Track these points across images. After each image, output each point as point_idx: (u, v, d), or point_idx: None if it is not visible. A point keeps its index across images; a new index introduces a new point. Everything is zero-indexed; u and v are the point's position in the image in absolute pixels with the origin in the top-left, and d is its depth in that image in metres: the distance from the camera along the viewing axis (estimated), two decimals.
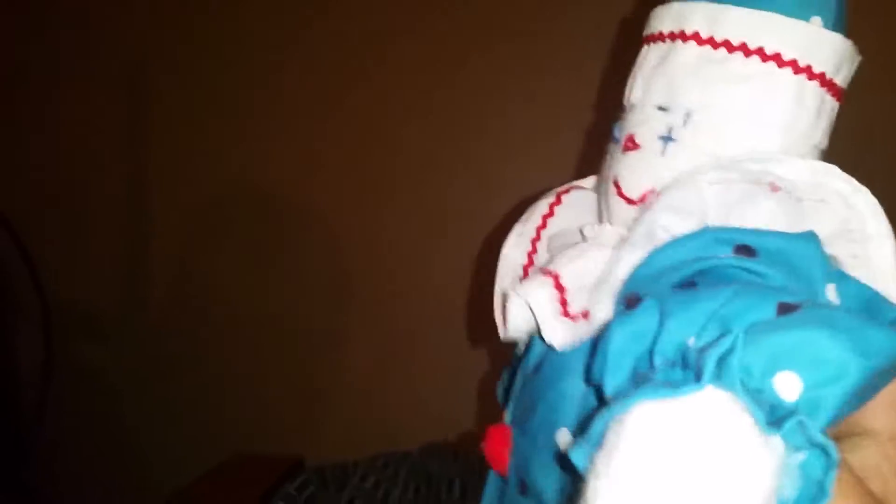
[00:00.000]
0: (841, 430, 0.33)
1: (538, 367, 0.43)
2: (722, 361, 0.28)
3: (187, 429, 1.20)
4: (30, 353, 1.19)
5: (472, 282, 1.03)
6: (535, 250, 0.50)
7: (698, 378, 0.28)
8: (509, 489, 0.45)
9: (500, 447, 0.45)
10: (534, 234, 0.51)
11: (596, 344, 0.33)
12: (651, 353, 0.30)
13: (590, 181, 0.52)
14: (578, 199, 0.52)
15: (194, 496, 0.99)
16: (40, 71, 1.17)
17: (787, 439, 0.28)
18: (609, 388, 0.31)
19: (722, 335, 0.29)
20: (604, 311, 0.38)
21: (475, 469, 0.90)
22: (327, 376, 1.16)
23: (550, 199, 0.53)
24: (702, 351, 0.28)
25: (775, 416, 0.28)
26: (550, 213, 0.52)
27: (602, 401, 0.31)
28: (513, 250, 0.51)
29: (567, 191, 0.53)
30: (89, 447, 1.23)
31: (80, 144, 1.18)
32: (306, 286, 1.15)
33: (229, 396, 1.19)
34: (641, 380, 0.29)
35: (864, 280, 0.35)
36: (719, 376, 0.28)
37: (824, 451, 0.28)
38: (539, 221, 0.52)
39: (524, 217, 0.53)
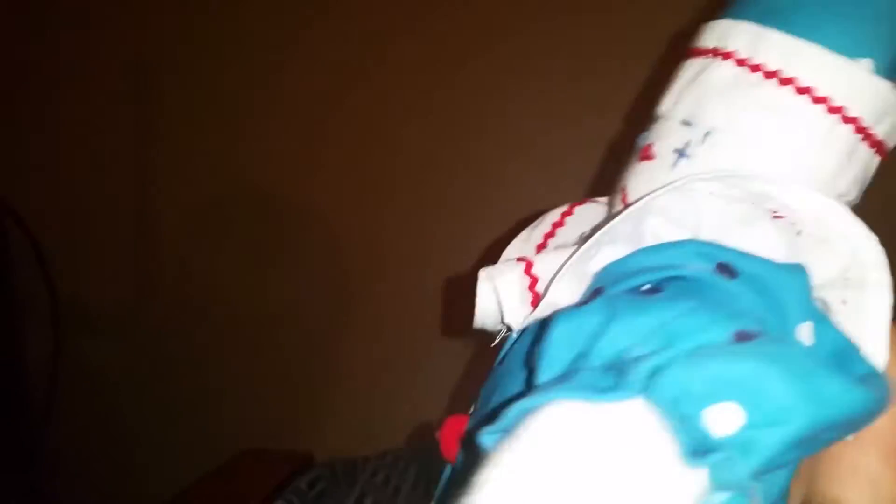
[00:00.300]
0: (808, 498, 0.30)
1: (503, 359, 0.41)
2: (654, 375, 0.25)
3: (193, 426, 1.20)
4: (37, 348, 1.20)
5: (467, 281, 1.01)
6: None
7: (623, 386, 0.25)
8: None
9: (452, 436, 0.43)
10: (540, 241, 0.49)
11: (542, 329, 0.30)
12: (586, 352, 0.28)
13: (607, 198, 0.50)
14: (590, 212, 0.50)
15: (203, 492, 0.99)
16: (46, 70, 1.18)
17: (711, 475, 0.25)
18: (540, 378, 0.29)
19: (663, 348, 0.26)
20: (558, 295, 0.36)
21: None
22: (333, 372, 1.15)
23: (563, 209, 0.51)
24: (635, 360, 0.26)
25: (701, 448, 0.25)
26: (561, 223, 0.50)
27: (529, 389, 0.29)
28: (515, 253, 0.49)
29: (583, 203, 0.51)
30: (94, 443, 1.24)
31: (85, 143, 1.19)
32: (308, 284, 1.14)
33: (234, 393, 1.18)
34: (567, 377, 0.27)
35: (847, 328, 0.32)
36: (647, 390, 0.25)
37: (749, 497, 0.25)
38: (548, 229, 0.50)
39: (535, 223, 0.51)
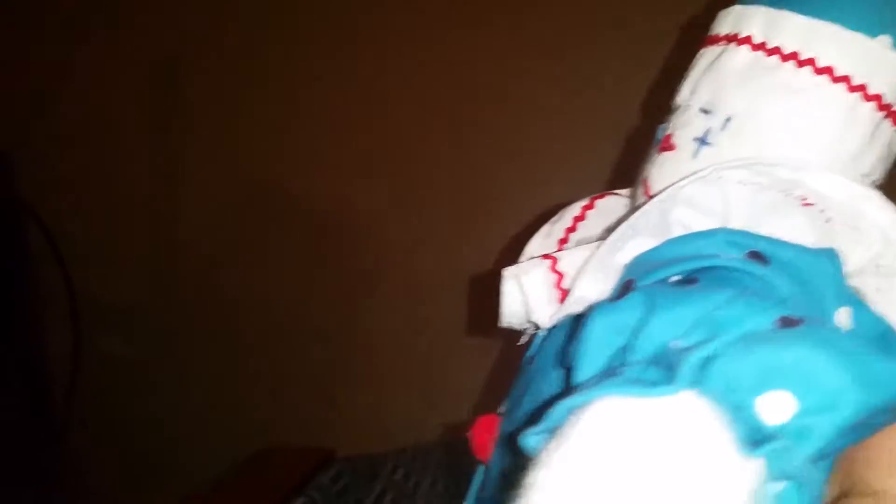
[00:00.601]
0: (848, 486, 0.29)
1: (532, 358, 0.40)
2: (704, 366, 0.24)
3: (214, 422, 1.19)
4: (58, 345, 1.19)
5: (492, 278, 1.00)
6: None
7: (674, 379, 0.24)
8: (490, 479, 0.42)
9: (484, 436, 0.42)
10: (562, 235, 0.48)
11: (576, 326, 0.29)
12: (628, 347, 0.27)
13: (628, 191, 0.48)
14: (612, 205, 0.48)
15: (225, 488, 0.98)
16: (65, 70, 1.17)
17: (768, 464, 0.24)
18: (580, 377, 0.28)
19: (709, 339, 0.25)
20: (585, 290, 0.35)
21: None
22: (354, 370, 1.14)
23: (584, 202, 0.49)
24: (683, 352, 0.25)
25: (757, 437, 0.24)
26: (582, 217, 0.49)
27: (570, 387, 0.28)
28: (537, 249, 0.48)
29: (602, 196, 0.49)
30: (115, 439, 1.23)
31: (104, 142, 1.18)
32: (329, 282, 1.13)
33: (255, 390, 1.17)
34: (612, 373, 0.26)
35: (884, 315, 0.31)
36: (699, 381, 0.24)
37: (805, 485, 0.24)
38: (569, 223, 0.48)
39: (555, 218, 0.50)
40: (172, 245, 1.18)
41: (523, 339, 0.45)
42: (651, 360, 0.26)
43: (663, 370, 0.25)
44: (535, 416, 0.32)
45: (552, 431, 0.25)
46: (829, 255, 0.32)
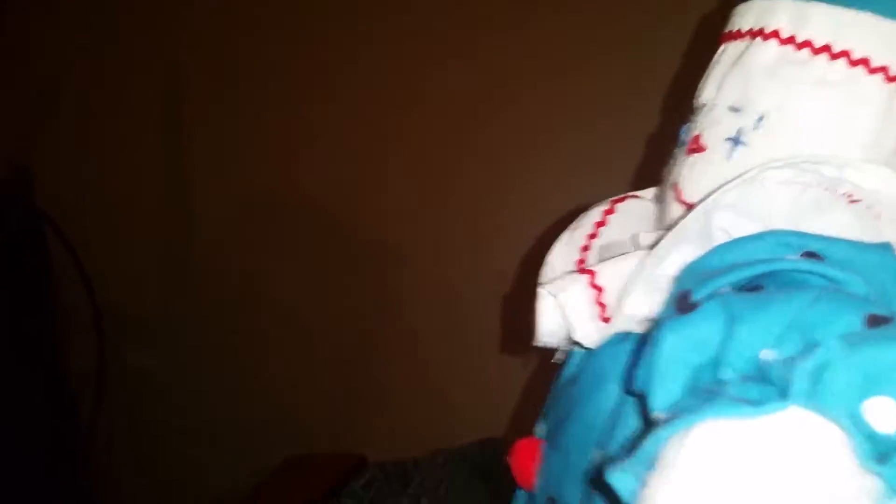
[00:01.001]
0: None
1: (575, 378, 0.38)
2: (816, 378, 0.22)
3: (242, 431, 1.15)
4: (82, 356, 1.16)
5: (516, 289, 0.98)
6: (584, 259, 0.45)
7: (784, 395, 0.22)
8: None
9: (527, 462, 0.40)
10: (583, 242, 0.46)
11: (639, 347, 0.27)
12: (716, 363, 0.24)
13: (648, 192, 0.47)
14: (633, 209, 0.46)
15: (258, 497, 0.96)
16: (81, 80, 1.14)
17: (888, 479, 0.22)
18: (658, 401, 0.25)
19: (808, 346, 0.23)
20: (635, 306, 0.33)
21: None
22: (384, 377, 1.11)
23: (603, 207, 0.47)
24: (788, 364, 0.23)
25: (877, 450, 0.22)
26: (602, 222, 0.46)
27: (645, 414, 0.25)
28: (559, 258, 0.46)
29: (622, 200, 0.47)
30: (141, 450, 1.19)
31: (120, 152, 1.15)
32: (359, 290, 1.10)
33: (284, 398, 1.14)
34: (706, 394, 0.23)
35: None
36: (812, 395, 0.22)
37: None
38: (590, 229, 0.46)
39: (573, 225, 0.47)
40: (192, 254, 1.15)
41: (558, 357, 0.43)
42: (747, 376, 0.24)
43: (766, 385, 0.23)
44: (604, 445, 0.30)
45: (648, 465, 0.22)
46: (885, 249, 0.31)
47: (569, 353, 0.41)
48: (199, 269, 1.16)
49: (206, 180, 1.13)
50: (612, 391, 0.34)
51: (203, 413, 1.16)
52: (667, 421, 0.23)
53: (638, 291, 0.34)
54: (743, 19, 0.40)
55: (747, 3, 0.40)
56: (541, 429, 0.42)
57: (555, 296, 0.37)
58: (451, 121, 1.03)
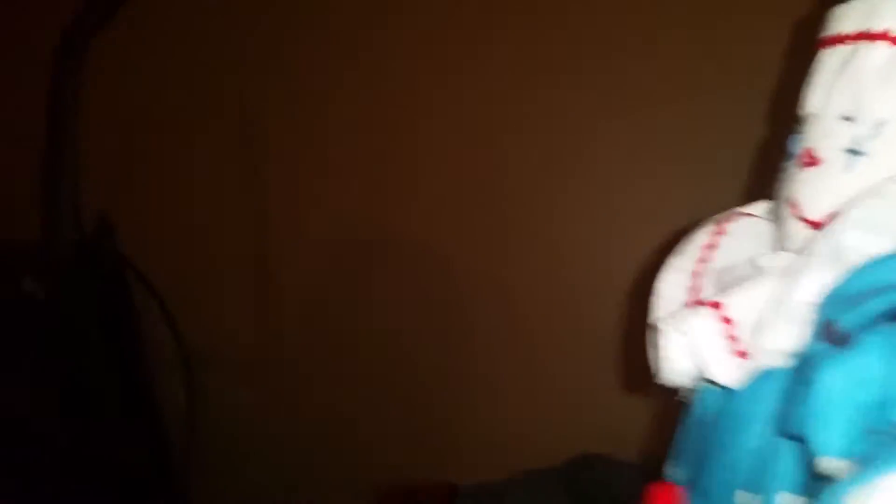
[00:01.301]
0: None
1: (713, 418, 0.36)
2: None
3: (332, 465, 1.15)
4: (172, 399, 1.18)
5: (622, 320, 0.95)
6: (697, 286, 0.42)
7: None
8: None
9: None
10: (694, 268, 0.44)
11: (791, 385, 0.25)
12: (883, 404, 0.22)
13: (758, 207, 0.44)
14: (746, 227, 0.44)
15: None
16: (157, 125, 1.16)
17: None
18: (823, 445, 0.23)
19: None
20: (777, 339, 0.30)
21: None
22: (471, 402, 1.10)
23: (711, 227, 0.45)
24: None
25: None
26: (714, 245, 0.44)
27: (805, 457, 0.23)
28: (669, 286, 0.44)
29: (730, 218, 0.45)
30: (239, 489, 1.21)
31: (199, 189, 1.16)
32: (442, 319, 1.09)
33: (371, 431, 1.13)
34: (881, 440, 0.21)
35: None
36: None
37: None
38: (699, 253, 0.44)
39: (678, 248, 0.45)
40: (275, 289, 1.16)
41: (684, 395, 0.41)
42: None
43: None
44: (751, 486, 0.28)
45: None
46: None
47: (697, 390, 0.39)
48: (283, 304, 1.17)
49: (282, 214, 1.14)
50: (757, 431, 0.32)
51: (295, 449, 1.17)
52: (845, 470, 0.21)
53: (779, 323, 0.31)
54: (842, 23, 0.37)
55: (845, 5, 0.37)
56: (675, 472, 0.40)
57: (683, 333, 0.36)
58: (534, 148, 1.01)
